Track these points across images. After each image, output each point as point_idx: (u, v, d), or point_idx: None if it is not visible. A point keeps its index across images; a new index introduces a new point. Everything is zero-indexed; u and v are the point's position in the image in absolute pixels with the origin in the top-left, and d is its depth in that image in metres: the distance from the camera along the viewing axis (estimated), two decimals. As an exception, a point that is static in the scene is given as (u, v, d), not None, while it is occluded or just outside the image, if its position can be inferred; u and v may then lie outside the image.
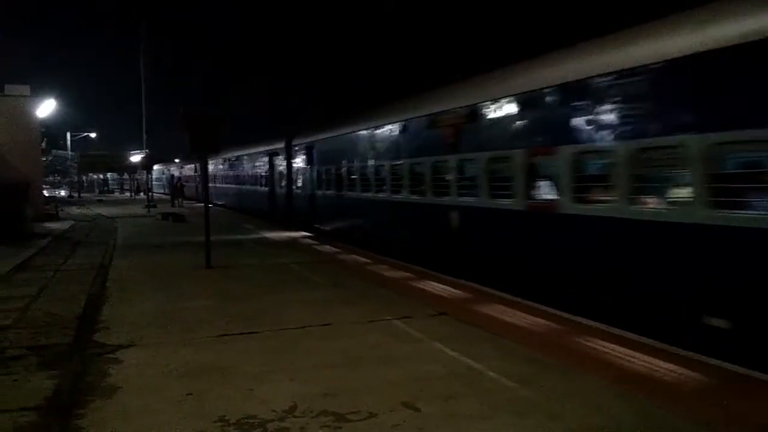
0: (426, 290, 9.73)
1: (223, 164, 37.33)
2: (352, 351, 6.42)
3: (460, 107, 11.46)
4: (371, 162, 15.75)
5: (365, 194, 16.06)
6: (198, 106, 14.06)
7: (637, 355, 6.14)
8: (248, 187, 30.63)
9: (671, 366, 5.76)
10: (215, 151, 13.14)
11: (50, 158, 60.11)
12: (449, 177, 11.91)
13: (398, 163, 14.09)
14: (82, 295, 9.54)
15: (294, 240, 18.03)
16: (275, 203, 25.49)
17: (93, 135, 70.06)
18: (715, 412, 4.68)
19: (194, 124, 12.40)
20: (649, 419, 4.61)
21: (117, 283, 10.73)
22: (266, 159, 26.57)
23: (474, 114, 10.97)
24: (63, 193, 68.89)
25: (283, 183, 24.09)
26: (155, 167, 59.56)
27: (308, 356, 6.27)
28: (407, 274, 11.30)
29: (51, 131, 46.12)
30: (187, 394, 5.19)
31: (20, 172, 22.56)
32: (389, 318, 7.82)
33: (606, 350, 6.35)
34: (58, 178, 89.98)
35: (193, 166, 45.92)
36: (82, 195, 59.88)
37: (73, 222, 25.13)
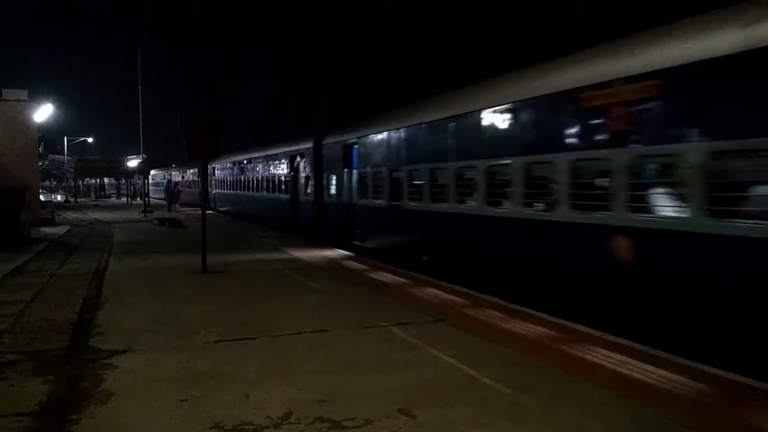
0: (423, 297, 9.73)
1: (231, 168, 34.06)
2: (349, 357, 6.42)
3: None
4: (466, 161, 11.21)
5: (461, 206, 11.42)
6: (196, 110, 13.96)
7: (633, 361, 6.15)
8: (263, 194, 27.06)
9: (667, 373, 5.77)
10: (215, 155, 13.08)
11: (47, 163, 59.98)
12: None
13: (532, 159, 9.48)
14: (77, 300, 9.52)
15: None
16: (298, 213, 22.07)
17: (90, 140, 70.06)
18: (712, 420, 4.69)
19: (192, 128, 12.35)
20: (646, 426, 4.62)
21: (112, 288, 10.70)
22: (287, 162, 23.25)
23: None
24: (59, 197, 68.80)
25: (309, 189, 20.62)
26: (153, 172, 59.58)
27: (304, 362, 6.25)
28: (403, 280, 11.29)
29: (48, 136, 46.11)
30: (182, 400, 5.17)
31: (17, 176, 22.54)
32: (385, 324, 7.82)
33: (602, 357, 6.35)
34: (55, 182, 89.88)
35: (196, 170, 43.62)
36: (78, 200, 59.80)
37: (69, 227, 25.07)
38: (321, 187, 19.59)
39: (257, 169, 28.34)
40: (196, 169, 42.29)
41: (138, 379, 5.78)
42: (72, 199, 59.80)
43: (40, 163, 34.13)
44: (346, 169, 17.41)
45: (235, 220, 29.69)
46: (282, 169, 24.08)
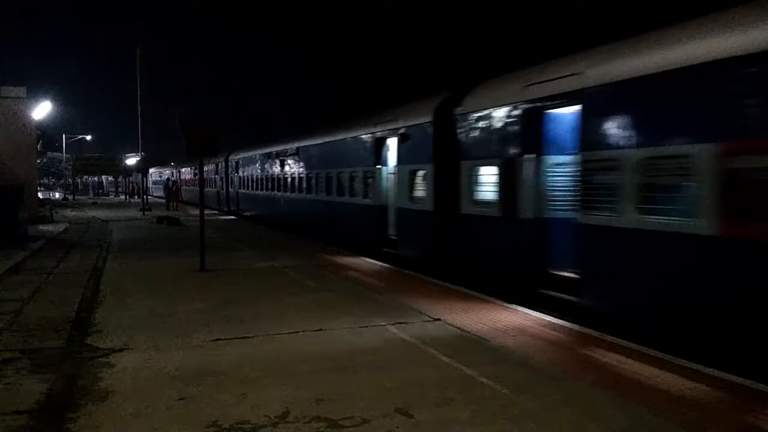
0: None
1: (264, 162, 26.50)
2: (346, 356, 6.41)
3: None
4: None
5: None
6: (196, 109, 13.99)
7: (630, 362, 6.16)
8: (320, 197, 19.23)
9: (665, 373, 5.78)
10: (213, 153, 13.11)
11: (45, 160, 60.03)
12: None
13: None
14: (75, 299, 9.51)
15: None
16: (395, 228, 14.24)
17: (88, 137, 70.14)
18: (708, 420, 4.69)
19: (191, 126, 12.41)
20: (643, 426, 4.62)
21: (110, 286, 10.70)
22: (370, 149, 15.38)
23: None
24: (57, 195, 68.75)
25: (423, 191, 12.82)
26: (152, 170, 59.54)
27: (301, 361, 6.25)
28: (401, 280, 11.29)
29: (46, 133, 46.12)
30: (179, 399, 5.17)
31: (15, 174, 22.51)
32: (383, 323, 7.82)
33: (599, 357, 6.36)
34: (53, 180, 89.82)
35: (211, 167, 37.91)
36: (76, 198, 59.77)
37: (67, 225, 25.04)
38: (453, 186, 11.68)
39: (308, 162, 20.80)
40: (208, 166, 37.52)
41: (135, 377, 5.78)
42: (70, 197, 59.80)
43: (38, 161, 34.16)
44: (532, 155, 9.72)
45: (262, 229, 23.18)
46: (361, 160, 16.01)
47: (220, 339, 7.14)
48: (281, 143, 24.02)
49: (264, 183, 26.41)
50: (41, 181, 67.89)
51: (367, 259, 14.11)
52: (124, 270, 12.61)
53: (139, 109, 36.91)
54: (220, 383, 5.57)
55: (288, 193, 22.90)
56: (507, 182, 10.06)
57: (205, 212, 14.35)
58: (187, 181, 47.57)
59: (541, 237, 9.59)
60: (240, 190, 31.67)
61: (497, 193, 10.35)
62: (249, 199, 29.54)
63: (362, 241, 15.70)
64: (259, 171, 27.42)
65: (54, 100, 29.02)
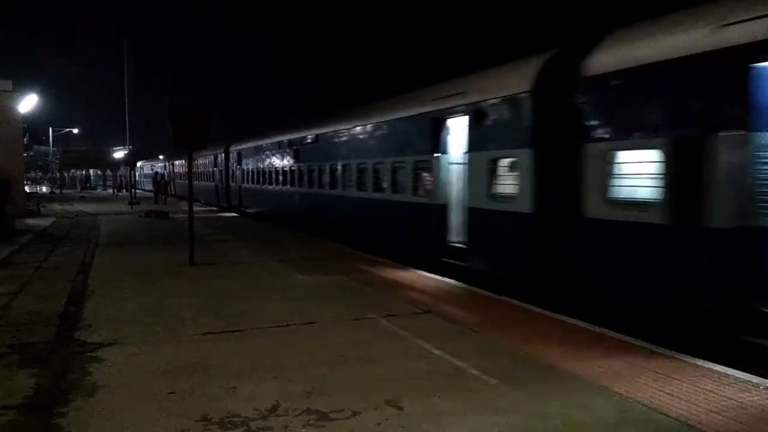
0: (411, 288, 9.74)
1: (269, 154, 23.95)
2: (336, 349, 6.43)
3: None
4: None
5: None
6: (183, 101, 13.96)
7: (617, 353, 6.21)
8: (348, 193, 16.29)
9: (651, 363, 5.84)
10: (202, 147, 13.06)
11: (32, 154, 59.53)
12: None
13: None
14: (63, 293, 9.45)
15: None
16: (498, 240, 10.34)
17: (75, 131, 69.59)
18: (695, 409, 4.74)
19: (179, 121, 12.35)
20: (631, 416, 4.67)
21: (99, 280, 10.64)
22: (427, 130, 12.09)
23: None
24: (44, 189, 68.22)
25: (509, 187, 9.98)
26: (140, 163, 59.23)
27: (292, 355, 6.26)
28: (393, 272, 11.31)
29: (33, 126, 45.74)
30: (169, 393, 5.16)
31: (1, 167, 22.30)
32: (374, 316, 7.83)
33: (587, 347, 6.40)
34: (40, 174, 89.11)
35: (208, 159, 35.45)
36: (63, 191, 59.31)
37: (54, 219, 24.85)
38: (570, 180, 8.48)
39: (331, 152, 17.48)
40: (205, 158, 36.25)
41: (125, 371, 5.76)
42: (57, 191, 59.32)
43: (24, 154, 33.86)
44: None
45: (285, 231, 19.56)
46: (409, 147, 12.93)
47: (210, 333, 7.13)
48: (296, 130, 21.06)
49: (273, 176, 23.46)
50: (28, 174, 67.23)
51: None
52: (113, 264, 12.54)
53: (126, 102, 36.71)
54: (210, 377, 5.57)
55: (304, 188, 19.90)
56: (686, 173, 6.78)
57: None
58: (180, 175, 46.10)
59: (747, 254, 6.39)
60: (243, 185, 28.49)
61: (661, 189, 7.07)
62: (254, 194, 26.54)
63: (410, 249, 12.77)
64: (266, 163, 24.34)
65: (40, 92, 28.77)
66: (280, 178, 22.47)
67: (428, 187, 12.11)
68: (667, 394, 5.09)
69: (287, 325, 7.43)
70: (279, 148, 22.66)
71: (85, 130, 76.29)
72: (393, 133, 13.87)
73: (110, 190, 60.70)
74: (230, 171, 31.01)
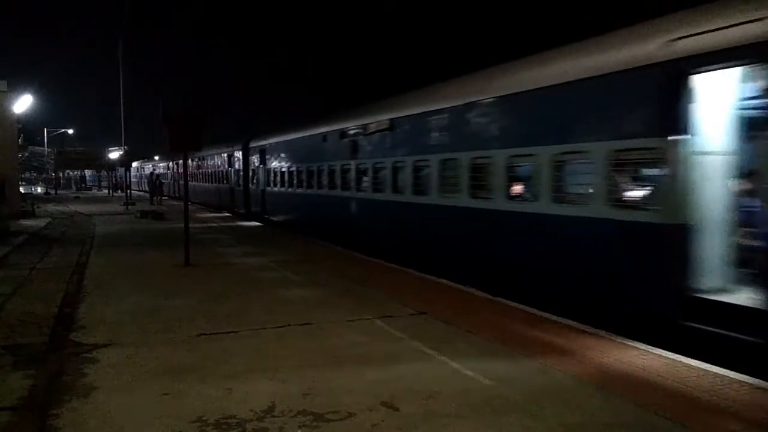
0: (406, 290, 9.75)
1: (310, 150, 18.89)
2: (332, 351, 6.43)
3: None
4: None
5: None
6: (178, 102, 13.90)
7: (613, 353, 6.22)
8: (455, 201, 11.12)
9: (646, 363, 5.85)
10: (197, 148, 13.03)
11: (27, 154, 59.24)
12: None
13: None
14: (58, 294, 9.43)
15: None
16: None
17: (70, 131, 69.40)
18: (690, 410, 4.76)
19: (174, 121, 12.32)
20: (626, 417, 4.68)
21: (94, 281, 10.62)
22: (620, 103, 7.73)
23: None
24: (39, 189, 68.03)
25: None
26: (135, 164, 59.02)
27: (287, 356, 6.25)
28: (389, 273, 11.31)
29: (28, 127, 45.47)
30: (164, 394, 5.16)
31: (-4, 168, 22.21)
32: (369, 317, 7.84)
33: (583, 348, 6.41)
34: (35, 174, 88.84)
35: (221, 158, 31.30)
36: (58, 192, 59.14)
37: (49, 219, 24.79)
38: None
39: (425, 142, 12.23)
40: (215, 158, 32.70)
41: (120, 373, 5.75)
42: (52, 191, 59.13)
43: (19, 155, 33.71)
44: None
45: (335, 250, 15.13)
46: (597, 128, 8.09)
47: (205, 334, 7.12)
48: (353, 117, 16.02)
49: (316, 178, 18.19)
50: (23, 175, 67.07)
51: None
52: (108, 265, 12.51)
53: (122, 102, 36.54)
54: (205, 378, 5.56)
55: (365, 194, 14.98)
56: None
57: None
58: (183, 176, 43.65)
59: None
60: (268, 188, 23.57)
61: None
62: (285, 199, 21.76)
63: (596, 299, 7.99)
64: (306, 161, 19.31)
65: (35, 93, 28.59)
66: (326, 180, 17.45)
67: (649, 194, 7.41)
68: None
69: (283, 326, 7.43)
70: (323, 142, 17.57)
71: (80, 131, 76.16)
72: (556, 107, 8.83)
73: (106, 191, 60.50)
74: (251, 171, 26.31)
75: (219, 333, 7.17)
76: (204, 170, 36.45)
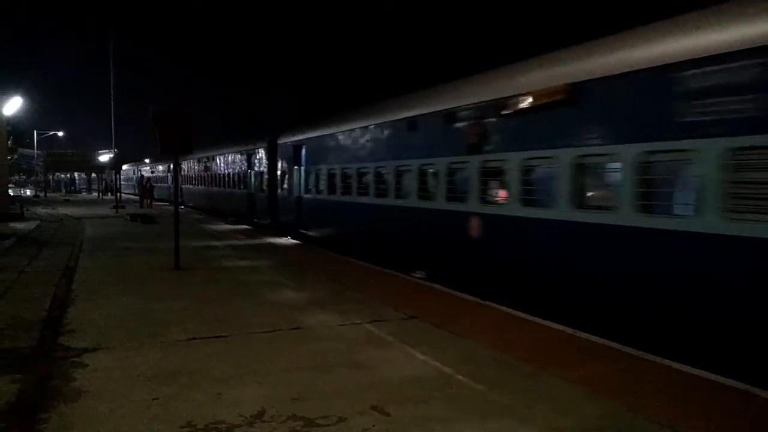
0: (397, 294, 9.74)
1: (376, 143, 14.09)
2: (322, 355, 6.41)
3: None
4: None
5: None
6: (168, 104, 13.83)
7: (604, 358, 6.24)
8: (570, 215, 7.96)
9: (637, 368, 5.87)
10: (188, 151, 12.96)
11: (16, 157, 58.89)
12: None
13: None
14: (47, 297, 9.35)
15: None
16: None
17: (60, 134, 69.01)
18: (679, 414, 4.78)
19: (165, 124, 12.27)
20: (617, 421, 4.69)
21: (83, 284, 10.54)
22: None
23: None
24: (29, 192, 67.59)
25: None
26: (125, 167, 58.76)
27: (278, 360, 6.23)
28: (379, 278, 11.30)
29: (17, 129, 45.19)
30: (153, 399, 5.12)
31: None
32: (360, 322, 7.82)
33: (573, 352, 6.44)
34: (24, 177, 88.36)
35: (236, 157, 27.05)
36: (48, 195, 58.78)
37: (38, 222, 24.60)
38: None
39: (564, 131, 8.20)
40: (227, 157, 28.51)
41: (109, 377, 5.70)
42: (42, 194, 58.75)
43: (8, 157, 33.48)
44: None
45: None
46: None
47: (195, 338, 7.07)
48: (475, 88, 10.72)
49: (393, 182, 13.13)
50: (12, 178, 66.67)
51: None
52: (97, 268, 12.43)
53: (112, 105, 36.37)
54: (195, 383, 5.52)
55: (520, 209, 9.12)
56: None
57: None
58: (188, 179, 38.74)
59: None
60: (307, 195, 18.87)
61: None
62: (336, 210, 16.52)
63: None
64: (375, 158, 14.10)
65: (25, 95, 28.42)
66: (410, 184, 12.57)
67: None
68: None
69: (273, 331, 7.40)
70: (413, 130, 12.44)
71: (70, 133, 75.81)
72: None
73: (95, 194, 60.20)
74: (277, 174, 21.89)
75: (209, 337, 7.11)
76: (213, 172, 31.62)
